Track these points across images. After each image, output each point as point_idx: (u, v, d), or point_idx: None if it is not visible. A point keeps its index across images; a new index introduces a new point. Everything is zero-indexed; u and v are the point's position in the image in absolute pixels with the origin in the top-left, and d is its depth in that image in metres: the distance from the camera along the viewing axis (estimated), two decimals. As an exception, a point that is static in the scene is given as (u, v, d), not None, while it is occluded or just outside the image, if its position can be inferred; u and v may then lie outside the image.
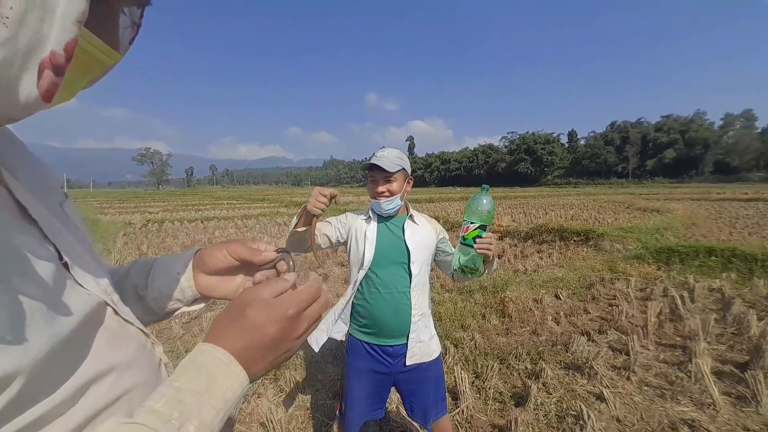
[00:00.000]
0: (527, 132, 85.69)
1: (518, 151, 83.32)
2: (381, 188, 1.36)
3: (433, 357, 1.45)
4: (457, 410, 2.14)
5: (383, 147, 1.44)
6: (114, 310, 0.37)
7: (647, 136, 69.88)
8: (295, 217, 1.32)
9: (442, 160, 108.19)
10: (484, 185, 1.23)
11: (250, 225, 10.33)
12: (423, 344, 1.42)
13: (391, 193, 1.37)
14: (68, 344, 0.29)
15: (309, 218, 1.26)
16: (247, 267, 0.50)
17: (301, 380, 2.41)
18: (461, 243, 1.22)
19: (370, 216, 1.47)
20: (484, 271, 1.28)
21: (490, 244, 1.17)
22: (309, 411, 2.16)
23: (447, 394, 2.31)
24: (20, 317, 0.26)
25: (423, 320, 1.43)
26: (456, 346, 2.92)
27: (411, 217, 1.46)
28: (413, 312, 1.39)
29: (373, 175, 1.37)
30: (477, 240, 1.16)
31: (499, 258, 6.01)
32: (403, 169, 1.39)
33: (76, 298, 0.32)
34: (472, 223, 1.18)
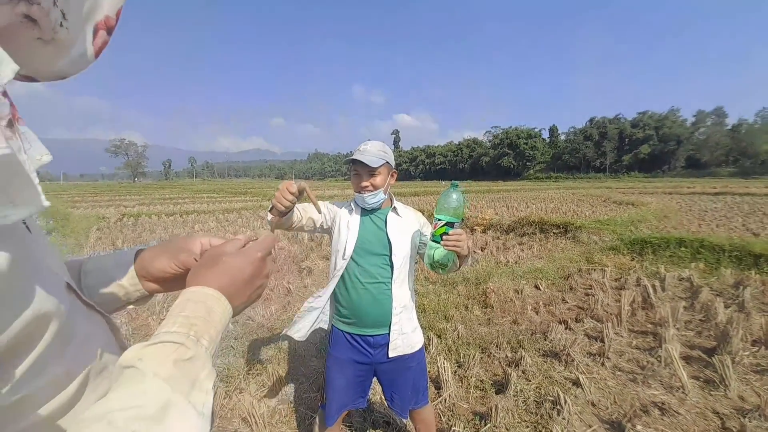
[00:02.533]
0: (510, 126, 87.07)
1: (501, 145, 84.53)
2: (365, 182, 1.35)
3: (416, 349, 1.46)
4: (439, 399, 2.18)
5: (368, 140, 1.42)
6: (75, 291, 0.40)
7: (624, 131, 72.17)
8: (270, 206, 1.28)
9: (427, 153, 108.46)
10: (453, 182, 1.27)
11: (231, 219, 10.10)
12: (406, 336, 1.42)
13: (375, 187, 1.37)
14: (57, 313, 0.33)
15: (278, 211, 1.21)
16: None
17: (284, 374, 2.38)
18: (431, 239, 1.25)
19: (353, 207, 1.46)
20: (459, 266, 1.31)
21: (458, 240, 1.18)
22: (292, 404, 2.14)
23: (430, 383, 2.35)
24: (50, 280, 0.32)
25: (405, 312, 1.43)
26: (439, 336, 2.96)
27: (395, 210, 1.45)
28: (394, 304, 1.39)
29: (356, 169, 1.36)
30: (444, 237, 1.19)
31: (482, 251, 6.11)
32: (387, 162, 1.38)
33: (55, 280, 0.35)
34: (439, 220, 1.21)
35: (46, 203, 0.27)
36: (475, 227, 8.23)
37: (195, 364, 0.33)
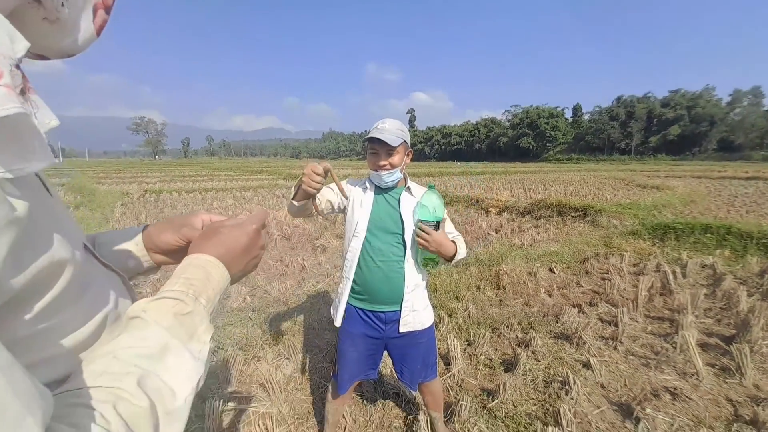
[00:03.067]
0: (531, 105, 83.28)
1: (521, 125, 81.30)
2: (383, 161, 1.34)
3: (426, 326, 1.49)
4: (448, 374, 2.23)
5: (384, 118, 1.39)
6: (95, 256, 0.45)
7: (653, 111, 68.07)
8: (293, 188, 1.30)
9: (443, 133, 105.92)
10: (429, 184, 1.38)
11: (248, 197, 10.28)
12: (416, 313, 1.45)
13: (393, 166, 1.36)
14: (79, 263, 0.37)
15: (305, 194, 1.24)
16: None
17: (299, 345, 2.48)
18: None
19: (367, 186, 1.46)
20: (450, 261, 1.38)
21: (425, 235, 1.27)
22: (307, 374, 2.24)
23: (440, 359, 2.41)
24: (65, 233, 0.35)
25: (417, 290, 1.44)
26: (450, 315, 2.99)
27: (408, 189, 1.44)
28: (407, 282, 1.41)
29: (374, 147, 1.34)
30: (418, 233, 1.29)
31: (496, 233, 6.05)
32: (404, 141, 1.36)
33: (72, 237, 0.38)
34: (421, 221, 1.30)
35: (56, 159, 0.31)
36: (490, 209, 8.11)
37: (194, 319, 0.38)
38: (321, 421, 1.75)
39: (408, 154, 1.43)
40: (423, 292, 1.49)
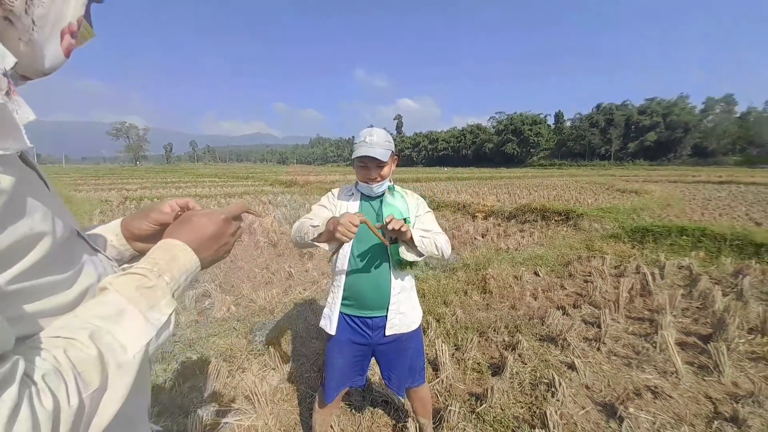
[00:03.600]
0: (515, 112, 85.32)
1: (506, 131, 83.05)
2: (374, 175, 1.36)
3: (413, 328, 1.48)
4: (437, 380, 2.23)
5: (371, 126, 1.40)
6: (84, 239, 0.51)
7: (631, 118, 70.61)
8: (315, 232, 1.28)
9: (430, 139, 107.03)
10: (391, 185, 1.45)
11: (233, 203, 10.12)
12: (403, 315, 1.44)
13: (383, 178, 1.38)
14: (63, 243, 0.43)
15: (334, 241, 1.23)
16: (166, 226, 0.64)
17: (285, 355, 2.44)
18: (390, 244, 1.36)
19: (353, 192, 1.46)
20: (420, 255, 1.36)
21: (394, 225, 1.22)
22: (293, 384, 2.20)
23: (428, 365, 2.40)
24: (47, 211, 0.40)
25: (403, 294, 1.45)
26: (438, 320, 3.00)
27: (390, 191, 1.45)
28: (393, 285, 1.41)
29: (364, 161, 1.35)
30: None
31: (482, 237, 6.12)
32: (392, 151, 1.38)
33: (64, 223, 0.44)
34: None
35: (29, 144, 0.37)
36: (477, 214, 8.22)
37: (156, 292, 0.44)
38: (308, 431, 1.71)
39: (394, 161, 1.45)
40: (409, 294, 1.49)
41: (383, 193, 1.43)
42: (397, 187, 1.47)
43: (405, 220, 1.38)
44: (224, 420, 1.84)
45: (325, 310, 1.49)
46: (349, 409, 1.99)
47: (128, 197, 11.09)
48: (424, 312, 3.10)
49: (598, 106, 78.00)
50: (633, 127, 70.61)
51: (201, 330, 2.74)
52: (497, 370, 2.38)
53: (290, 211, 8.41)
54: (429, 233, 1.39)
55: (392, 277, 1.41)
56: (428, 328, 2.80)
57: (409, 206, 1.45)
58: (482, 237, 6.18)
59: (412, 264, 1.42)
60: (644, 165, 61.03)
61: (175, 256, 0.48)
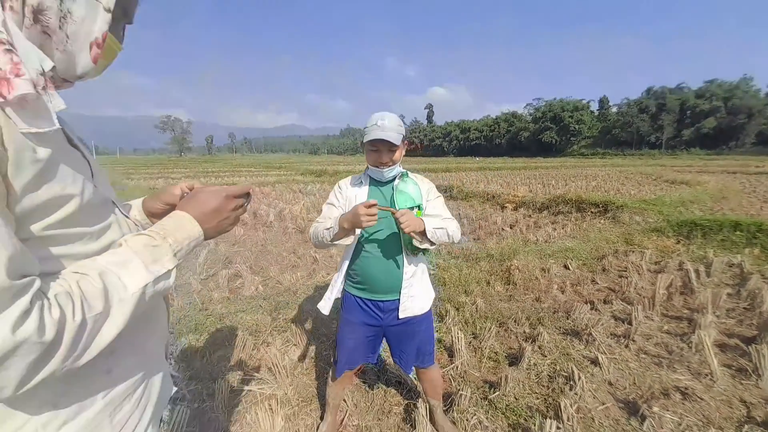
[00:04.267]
0: (555, 98, 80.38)
1: (544, 119, 78.46)
2: (385, 159, 1.37)
3: (425, 310, 1.51)
4: (451, 365, 2.25)
5: (381, 112, 1.37)
6: (117, 206, 0.63)
7: (686, 103, 64.06)
8: (330, 234, 1.34)
9: (461, 128, 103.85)
10: (404, 172, 1.46)
11: (266, 192, 10.54)
12: (415, 298, 1.47)
13: (394, 162, 1.40)
14: (93, 206, 0.54)
15: (350, 233, 1.32)
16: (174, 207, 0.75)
17: (306, 333, 2.56)
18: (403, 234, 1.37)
19: (362, 180, 1.49)
20: (432, 243, 1.37)
21: (402, 215, 1.25)
22: (312, 360, 2.32)
23: (443, 350, 2.43)
24: (78, 178, 0.51)
25: (416, 277, 1.47)
26: (458, 309, 3.00)
27: (402, 178, 1.46)
28: (405, 270, 1.44)
29: (375, 145, 1.36)
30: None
31: (510, 228, 5.95)
32: (403, 135, 1.38)
33: (94, 188, 0.55)
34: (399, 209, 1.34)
35: (57, 125, 0.46)
36: (506, 205, 7.98)
37: (160, 250, 0.54)
38: (324, 404, 1.81)
39: (405, 147, 1.45)
40: (421, 277, 1.51)
41: (394, 179, 1.45)
42: (409, 173, 1.48)
43: (419, 207, 1.39)
44: (247, 387, 1.99)
45: (326, 293, 1.53)
46: (363, 387, 2.07)
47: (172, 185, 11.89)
48: (443, 300, 3.15)
49: (648, 90, 71.62)
50: (689, 112, 64.12)
51: (231, 306, 2.95)
52: (514, 360, 2.35)
53: (318, 199, 8.63)
54: (440, 221, 1.40)
55: (405, 262, 1.44)
56: (446, 316, 2.81)
57: (421, 192, 1.46)
58: (510, 228, 6.01)
59: (425, 250, 1.43)
60: (700, 154, 55.33)
61: (181, 224, 0.59)
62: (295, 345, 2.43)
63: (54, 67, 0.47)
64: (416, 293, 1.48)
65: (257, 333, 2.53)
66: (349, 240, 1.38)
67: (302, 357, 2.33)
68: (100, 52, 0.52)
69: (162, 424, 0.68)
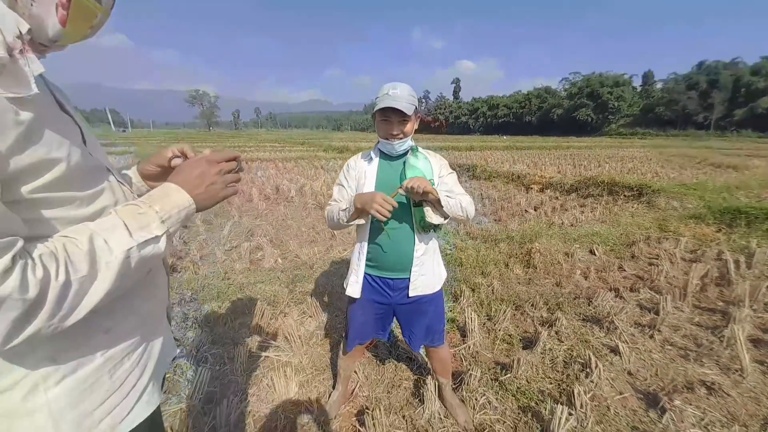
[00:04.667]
0: (593, 73, 74.78)
1: (580, 95, 73.16)
2: (396, 131, 1.30)
3: (436, 289, 1.49)
4: (463, 345, 2.25)
5: (393, 82, 1.31)
6: (112, 173, 0.65)
7: (741, 80, 57.78)
8: (346, 215, 1.34)
9: (489, 105, 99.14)
10: (414, 146, 1.39)
11: (289, 167, 10.66)
12: (426, 277, 1.45)
13: (405, 135, 1.33)
14: (84, 171, 0.55)
15: (364, 214, 1.30)
16: (168, 167, 0.80)
17: (322, 306, 2.63)
18: (414, 206, 1.36)
19: (372, 155, 1.44)
20: (444, 216, 1.35)
21: (415, 182, 1.21)
22: (327, 331, 2.38)
23: (456, 330, 2.43)
24: (65, 143, 0.52)
25: (427, 255, 1.44)
26: (473, 290, 2.96)
27: (413, 153, 1.40)
28: (416, 247, 1.41)
29: (386, 115, 1.29)
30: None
31: (535, 210, 5.74)
32: (415, 107, 1.31)
33: (84, 154, 0.57)
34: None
35: (35, 90, 0.46)
36: (532, 186, 7.68)
37: (146, 217, 0.56)
38: (336, 374, 1.87)
39: (417, 119, 1.38)
40: (432, 256, 1.48)
41: (405, 153, 1.39)
42: (420, 149, 1.42)
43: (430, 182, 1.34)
44: (265, 354, 2.09)
45: (351, 276, 1.51)
46: (375, 360, 2.12)
47: (200, 158, 12.25)
48: (459, 280, 3.12)
49: (700, 65, 65.01)
50: (743, 90, 57.80)
51: (251, 276, 3.06)
52: (529, 344, 2.31)
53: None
54: (453, 194, 1.35)
55: (416, 240, 1.41)
56: (461, 296, 2.78)
57: (432, 168, 1.40)
58: (534, 210, 5.80)
59: (436, 227, 1.39)
60: (752, 136, 50.34)
61: (167, 193, 0.60)
62: (311, 317, 2.50)
63: (30, 29, 0.46)
64: (427, 272, 1.45)
65: (275, 303, 2.62)
66: (362, 220, 1.37)
67: (317, 328, 2.40)
68: (66, 13, 0.49)
69: (165, 383, 0.73)
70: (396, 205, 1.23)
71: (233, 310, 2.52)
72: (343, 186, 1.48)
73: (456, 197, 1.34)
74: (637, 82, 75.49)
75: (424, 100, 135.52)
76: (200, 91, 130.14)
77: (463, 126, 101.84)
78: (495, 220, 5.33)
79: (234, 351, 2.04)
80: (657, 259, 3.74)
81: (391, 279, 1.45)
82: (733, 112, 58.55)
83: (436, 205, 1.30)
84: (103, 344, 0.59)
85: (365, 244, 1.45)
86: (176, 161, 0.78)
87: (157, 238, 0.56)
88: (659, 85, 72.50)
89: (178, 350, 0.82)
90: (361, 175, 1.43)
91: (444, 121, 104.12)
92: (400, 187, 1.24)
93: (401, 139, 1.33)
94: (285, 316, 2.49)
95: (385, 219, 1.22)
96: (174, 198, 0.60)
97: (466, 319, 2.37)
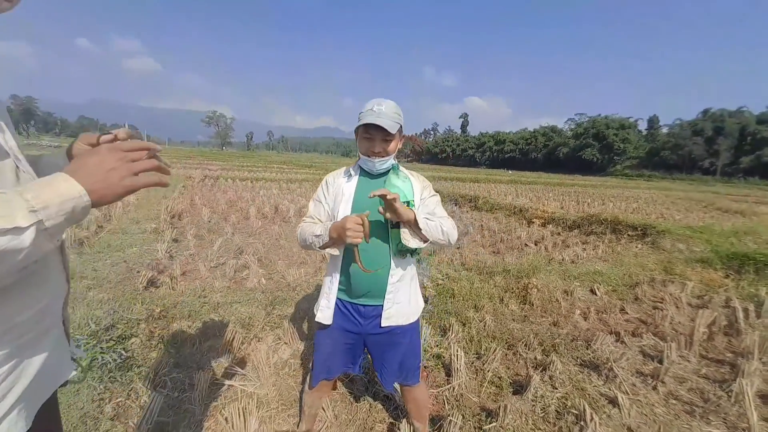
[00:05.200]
0: (599, 115, 76.45)
1: (585, 135, 74.40)
2: (378, 148, 1.24)
3: (410, 321, 1.37)
4: (447, 386, 2.07)
5: (379, 98, 1.25)
6: (13, 161, 0.60)
7: (747, 128, 58.61)
8: (319, 242, 1.26)
9: (496, 140, 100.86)
10: (394, 164, 1.32)
11: (292, 188, 10.72)
12: (400, 306, 1.33)
13: (387, 153, 1.27)
14: None
15: (340, 243, 1.23)
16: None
17: (299, 332, 2.47)
18: (391, 228, 1.27)
19: (351, 172, 1.37)
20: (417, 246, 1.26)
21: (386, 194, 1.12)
22: (302, 361, 2.21)
23: (441, 369, 2.25)
24: None
25: (402, 282, 1.33)
26: (463, 324, 2.79)
27: (395, 171, 1.33)
28: (391, 273, 1.30)
29: (369, 132, 1.23)
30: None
31: (535, 245, 5.59)
32: (400, 126, 1.26)
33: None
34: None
35: None
36: (534, 220, 7.56)
37: (9, 205, 0.47)
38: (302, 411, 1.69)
39: (401, 139, 1.32)
40: (410, 283, 1.37)
41: (386, 171, 1.32)
42: (401, 168, 1.35)
43: (408, 203, 1.26)
44: (229, 382, 1.92)
45: (322, 300, 1.40)
46: (349, 398, 1.94)
47: (207, 176, 12.41)
48: (449, 313, 2.95)
49: (705, 112, 66.37)
50: (749, 138, 58.57)
51: (229, 296, 2.92)
52: (520, 388, 2.12)
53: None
54: (434, 217, 1.26)
55: (392, 264, 1.30)
56: (449, 331, 2.61)
57: (414, 189, 1.32)
58: (534, 244, 5.66)
59: (414, 251, 1.30)
60: (760, 184, 50.25)
61: (50, 182, 0.52)
62: (285, 343, 2.33)
63: None
64: (402, 300, 1.33)
65: (249, 326, 2.47)
66: (336, 251, 1.28)
67: (292, 356, 2.24)
68: None
69: (52, 410, 0.61)
70: (367, 222, 1.14)
71: (203, 332, 2.37)
72: (320, 202, 1.40)
73: (437, 220, 1.25)
74: (643, 126, 76.89)
75: (432, 132, 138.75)
76: (217, 113, 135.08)
77: (469, 159, 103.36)
78: (493, 252, 5.18)
79: (196, 377, 1.88)
80: (662, 302, 3.54)
81: (363, 305, 1.34)
82: (740, 159, 58.91)
83: (414, 227, 1.21)
84: None
85: (339, 267, 1.35)
86: (105, 138, 0.69)
87: (18, 230, 0.46)
88: (665, 130, 73.69)
89: (74, 372, 0.70)
90: (339, 191, 1.35)
91: (451, 153, 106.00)
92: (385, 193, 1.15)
93: (383, 157, 1.26)
94: (259, 341, 2.34)
95: (362, 242, 1.15)
96: (58, 186, 0.51)
97: (452, 356, 2.19)
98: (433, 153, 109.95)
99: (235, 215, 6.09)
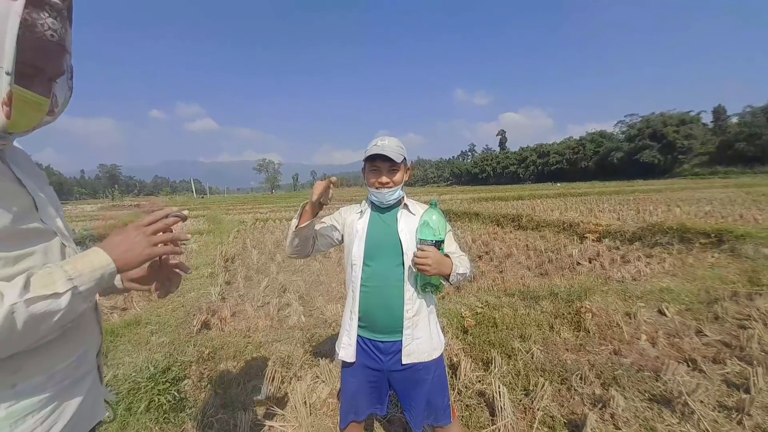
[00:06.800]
0: (653, 113, 70.43)
1: (640, 136, 68.47)
2: (385, 179, 1.31)
3: (433, 357, 1.34)
4: (492, 427, 1.93)
5: (382, 134, 1.36)
6: (61, 240, 0.71)
7: None
8: (295, 219, 1.33)
9: (539, 153, 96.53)
10: (432, 201, 1.30)
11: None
12: (420, 341, 1.32)
13: (395, 184, 1.33)
14: (14, 234, 0.61)
15: (311, 211, 1.29)
16: None
17: (338, 371, 2.49)
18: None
19: (362, 209, 1.44)
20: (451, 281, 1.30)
21: (423, 258, 1.19)
22: (338, 400, 2.21)
23: (484, 407, 2.11)
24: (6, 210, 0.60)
25: (420, 317, 1.33)
26: (508, 357, 2.62)
27: (405, 207, 1.38)
28: (406, 307, 1.31)
29: (375, 164, 1.32)
30: (414, 255, 1.23)
31: (589, 262, 5.15)
32: (405, 158, 1.33)
33: (34, 221, 0.66)
34: (422, 241, 1.24)
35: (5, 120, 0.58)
36: (587, 235, 7.00)
37: (52, 276, 0.59)
38: (337, 453, 1.68)
39: (407, 172, 1.38)
40: (428, 318, 1.36)
41: (396, 205, 1.37)
42: (408, 199, 1.40)
43: (440, 242, 1.25)
44: (269, 423, 1.98)
45: (343, 338, 1.39)
46: (386, 439, 1.89)
47: (258, 219, 13.39)
48: (493, 344, 2.79)
49: (783, 94, 58.00)
50: None
51: (271, 334, 3.05)
52: (575, 429, 1.91)
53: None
54: (460, 258, 1.32)
55: (405, 297, 1.31)
56: (492, 365, 2.46)
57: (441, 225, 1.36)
58: (588, 262, 5.22)
59: (437, 287, 1.30)
60: None
61: (85, 255, 0.65)
62: (323, 382, 2.36)
63: None
64: (422, 335, 1.32)
65: (288, 365, 2.54)
66: (306, 222, 1.30)
67: (330, 395, 2.25)
68: (9, 109, 0.58)
69: None
70: (335, 180, 1.24)
71: (247, 371, 2.49)
72: (325, 223, 1.46)
73: (459, 259, 1.30)
74: (708, 119, 69.26)
75: (469, 153, 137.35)
76: (266, 160, 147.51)
77: (512, 176, 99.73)
78: (540, 274, 4.86)
79: (239, 417, 1.97)
80: (748, 320, 3.04)
81: (382, 342, 1.34)
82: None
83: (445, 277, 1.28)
84: (8, 398, 0.60)
85: (356, 301, 1.37)
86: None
87: (57, 295, 0.57)
88: (734, 120, 65.57)
89: (108, 413, 0.84)
90: (352, 229, 1.40)
91: (491, 172, 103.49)
92: (422, 242, 1.24)
93: (391, 188, 1.32)
94: (298, 379, 2.39)
95: (322, 193, 1.23)
96: (90, 258, 0.63)
97: (494, 393, 2.06)
98: (472, 174, 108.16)
99: (280, 255, 6.45)
